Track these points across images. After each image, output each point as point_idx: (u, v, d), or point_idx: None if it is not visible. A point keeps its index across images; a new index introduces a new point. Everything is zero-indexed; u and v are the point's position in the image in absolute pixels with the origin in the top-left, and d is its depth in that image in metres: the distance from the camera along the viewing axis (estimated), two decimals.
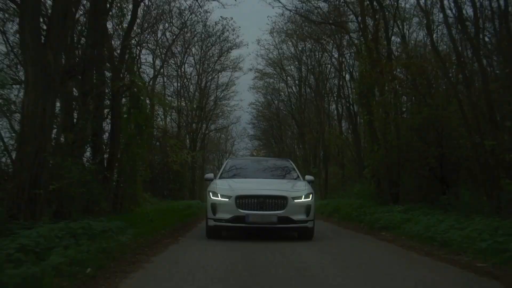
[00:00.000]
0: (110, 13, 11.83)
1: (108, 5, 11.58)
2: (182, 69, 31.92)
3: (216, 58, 32.91)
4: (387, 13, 15.62)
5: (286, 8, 19.53)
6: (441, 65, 10.77)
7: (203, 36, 30.70)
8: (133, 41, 15.65)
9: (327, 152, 26.81)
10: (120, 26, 14.39)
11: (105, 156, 12.01)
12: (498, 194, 9.12)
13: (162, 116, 26.78)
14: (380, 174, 14.30)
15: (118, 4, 12.88)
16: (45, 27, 8.55)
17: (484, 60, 11.99)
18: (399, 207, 11.62)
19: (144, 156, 14.90)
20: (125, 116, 13.26)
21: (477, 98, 9.77)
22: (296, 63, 30.85)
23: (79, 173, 7.78)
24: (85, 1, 11.28)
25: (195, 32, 29.95)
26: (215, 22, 31.25)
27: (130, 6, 13.24)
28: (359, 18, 15.55)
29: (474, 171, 10.37)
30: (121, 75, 12.51)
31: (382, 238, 8.98)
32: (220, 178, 9.95)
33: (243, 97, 41.72)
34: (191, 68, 33.21)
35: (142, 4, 16.07)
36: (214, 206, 8.75)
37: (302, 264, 5.73)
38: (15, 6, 8.80)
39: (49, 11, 9.33)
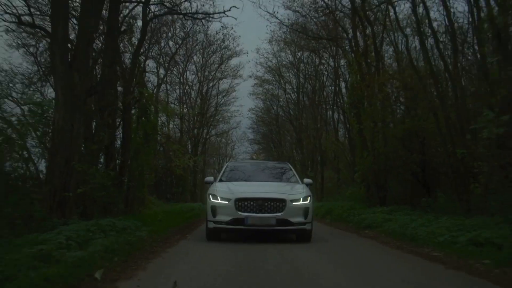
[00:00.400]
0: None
1: (120, 26, 12.86)
2: (184, 76, 33.26)
3: (217, 66, 34.15)
4: (379, 24, 16.91)
5: (283, 24, 20.82)
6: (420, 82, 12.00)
7: (204, 44, 31.84)
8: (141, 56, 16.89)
9: (323, 157, 28.05)
10: (129, 42, 15.71)
11: (117, 162, 13.26)
12: (468, 198, 10.36)
13: (166, 123, 27.96)
14: (369, 179, 15.52)
15: (129, 22, 14.23)
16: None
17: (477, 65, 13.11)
18: (384, 208, 12.84)
19: (150, 162, 16.15)
20: (134, 125, 14.54)
21: (450, 112, 10.96)
22: (295, 70, 32.11)
23: (101, 179, 9.02)
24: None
25: (197, 41, 31.20)
26: (216, 32, 32.54)
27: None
28: (350, 34, 16.79)
29: (449, 176, 11.59)
30: (132, 88, 13.75)
31: (366, 236, 10.17)
32: (220, 181, 10.12)
33: (243, 103, 42.97)
34: (193, 76, 34.51)
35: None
36: (214, 209, 8.87)
37: (299, 260, 6.58)
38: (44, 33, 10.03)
39: (70, 34, 10.61)
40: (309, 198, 9.13)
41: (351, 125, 19.38)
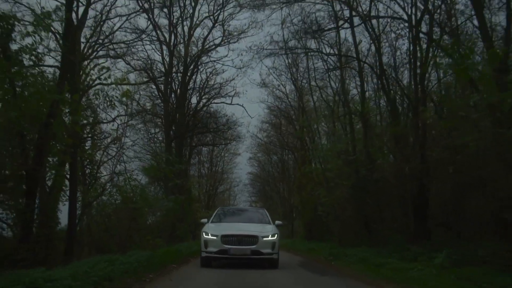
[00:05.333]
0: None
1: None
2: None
3: (223, 146, 48.02)
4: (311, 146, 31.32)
5: (261, 140, 35.64)
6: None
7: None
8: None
9: (293, 211, 42.15)
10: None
11: None
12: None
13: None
14: (306, 227, 29.55)
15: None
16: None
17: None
18: (307, 241, 26.70)
19: (191, 218, 30.37)
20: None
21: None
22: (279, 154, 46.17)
23: (183, 229, 23.21)
24: None
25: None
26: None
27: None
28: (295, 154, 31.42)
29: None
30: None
31: (291, 252, 23.87)
32: (211, 222, 12.30)
33: (242, 167, 55.04)
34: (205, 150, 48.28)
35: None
36: (206, 242, 10.90)
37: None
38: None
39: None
40: (276, 235, 11.15)
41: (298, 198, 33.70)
